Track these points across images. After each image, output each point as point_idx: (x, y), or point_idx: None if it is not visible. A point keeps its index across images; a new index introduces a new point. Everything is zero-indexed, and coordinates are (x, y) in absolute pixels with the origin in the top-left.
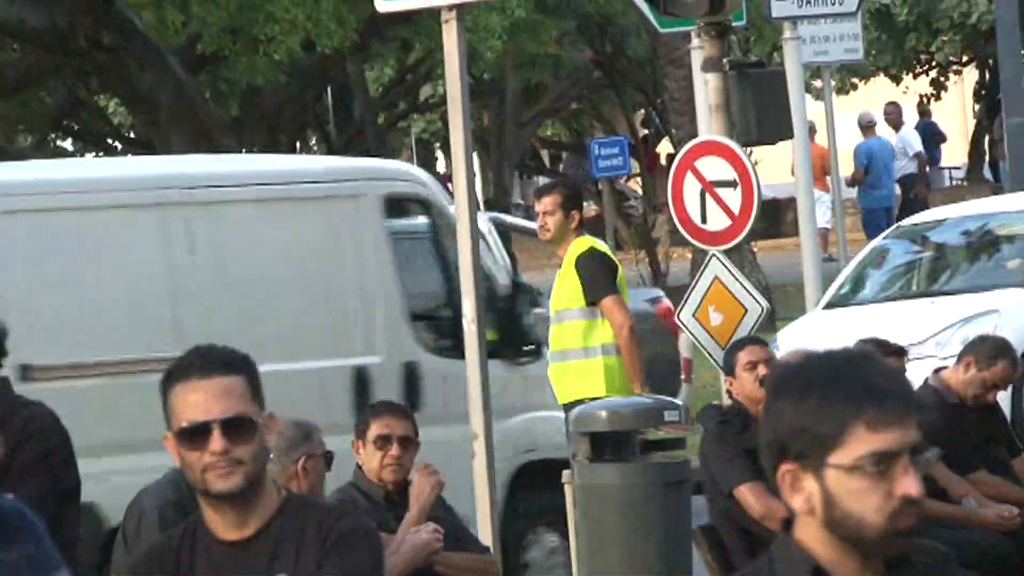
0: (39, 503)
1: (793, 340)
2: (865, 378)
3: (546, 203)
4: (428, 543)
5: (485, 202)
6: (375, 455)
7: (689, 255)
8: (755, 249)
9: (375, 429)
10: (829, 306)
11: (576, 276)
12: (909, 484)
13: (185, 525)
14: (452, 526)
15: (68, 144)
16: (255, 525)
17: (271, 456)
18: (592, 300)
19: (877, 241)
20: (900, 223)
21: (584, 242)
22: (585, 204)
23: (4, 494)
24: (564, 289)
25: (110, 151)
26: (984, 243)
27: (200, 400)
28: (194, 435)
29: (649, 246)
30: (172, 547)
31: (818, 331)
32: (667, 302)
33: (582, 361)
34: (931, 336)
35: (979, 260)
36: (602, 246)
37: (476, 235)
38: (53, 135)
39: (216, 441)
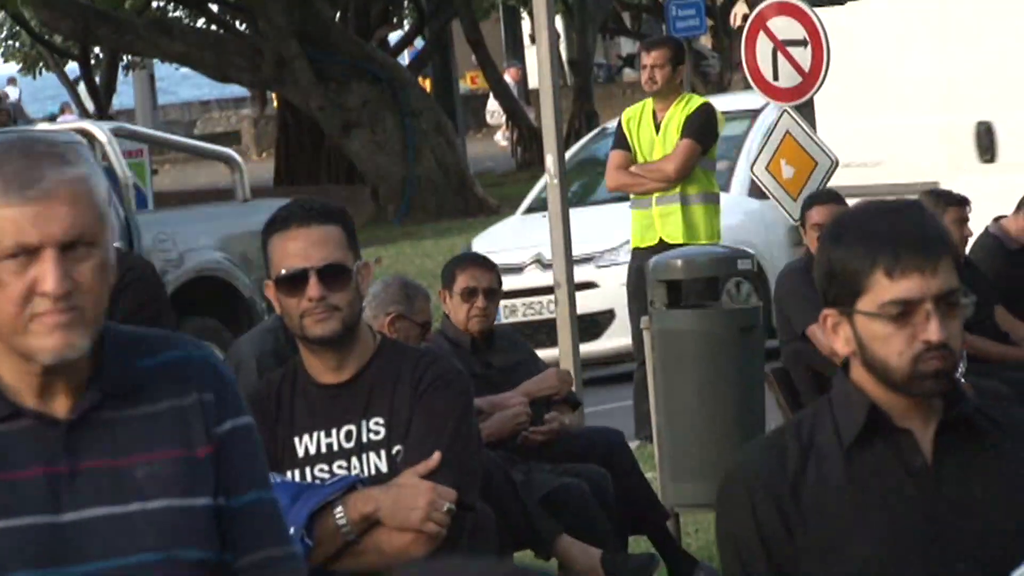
0: None
1: (486, 245)
2: (890, 227)
3: (655, 56)
4: (516, 415)
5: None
6: (461, 307)
7: None
8: None
9: (461, 281)
10: (529, 210)
11: (685, 126)
12: (931, 330)
13: (284, 370)
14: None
15: None
16: (351, 369)
17: (364, 304)
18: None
19: (588, 144)
20: (606, 125)
21: (699, 98)
22: None
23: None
24: (669, 140)
25: (205, 9)
26: None
27: (299, 248)
28: (292, 282)
29: None
30: (273, 391)
31: (511, 237)
32: None
33: (680, 206)
34: (625, 243)
35: None
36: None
37: (558, 98)
38: None
39: (313, 287)
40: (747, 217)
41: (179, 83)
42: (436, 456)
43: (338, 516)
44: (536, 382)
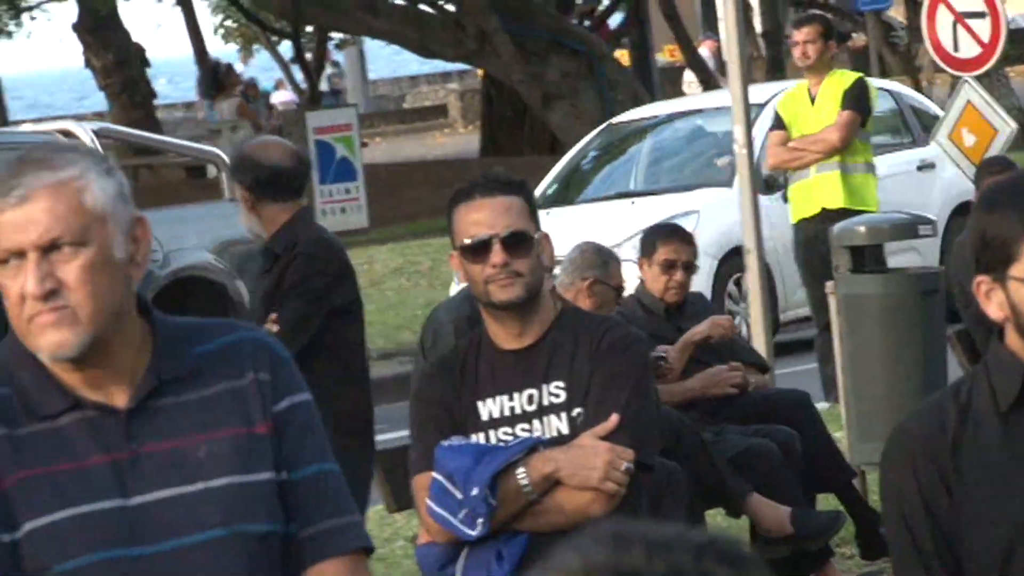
0: (301, 320)
1: None
2: None
3: (807, 32)
4: (723, 371)
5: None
6: (660, 278)
7: (949, 80)
8: (1009, 74)
9: (662, 253)
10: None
11: (844, 98)
12: None
13: (472, 337)
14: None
15: None
16: (533, 335)
17: (554, 271)
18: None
19: (589, 138)
20: (611, 120)
21: (852, 72)
22: (854, 35)
23: (258, 324)
24: (826, 113)
25: None
26: (694, 141)
27: (483, 218)
28: (477, 250)
29: (913, 73)
30: (460, 356)
31: None
32: None
33: (839, 173)
34: (627, 239)
35: (687, 158)
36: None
37: (746, 70)
38: None
39: (497, 254)
40: None
41: (389, 59)
42: (614, 417)
43: (520, 476)
44: (692, 331)
